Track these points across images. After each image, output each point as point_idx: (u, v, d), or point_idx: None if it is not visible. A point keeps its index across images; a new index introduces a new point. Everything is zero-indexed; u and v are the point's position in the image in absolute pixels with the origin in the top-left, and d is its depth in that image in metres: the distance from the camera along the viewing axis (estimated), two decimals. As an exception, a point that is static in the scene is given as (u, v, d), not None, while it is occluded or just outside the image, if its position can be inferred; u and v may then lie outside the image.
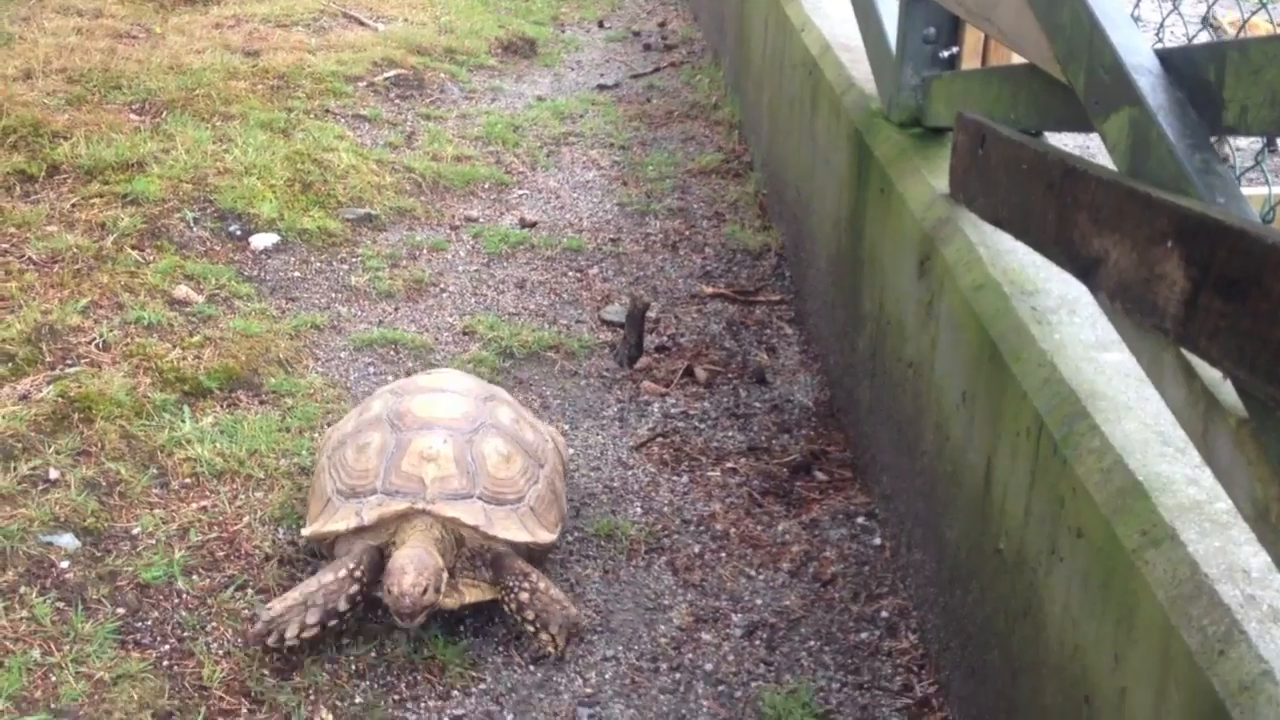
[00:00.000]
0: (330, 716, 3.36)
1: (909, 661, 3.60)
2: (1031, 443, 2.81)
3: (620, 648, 3.66)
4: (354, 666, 3.53)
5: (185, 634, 3.52)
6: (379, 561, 3.52)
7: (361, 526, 3.49)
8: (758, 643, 3.68)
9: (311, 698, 3.41)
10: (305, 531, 3.65)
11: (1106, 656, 2.42)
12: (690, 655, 3.64)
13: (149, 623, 3.53)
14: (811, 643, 3.68)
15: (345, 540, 3.57)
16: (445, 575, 3.44)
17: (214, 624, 3.57)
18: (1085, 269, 2.47)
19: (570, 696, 3.47)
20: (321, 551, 3.79)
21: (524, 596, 3.51)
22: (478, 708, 3.45)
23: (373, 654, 3.58)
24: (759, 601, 3.84)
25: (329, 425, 4.36)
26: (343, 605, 3.44)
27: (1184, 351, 2.22)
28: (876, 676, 3.56)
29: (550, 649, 3.55)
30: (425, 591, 3.33)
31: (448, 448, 3.60)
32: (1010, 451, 2.95)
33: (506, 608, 3.56)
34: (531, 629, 3.54)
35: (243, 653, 3.47)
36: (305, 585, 3.46)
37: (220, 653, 3.47)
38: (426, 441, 3.60)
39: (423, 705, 3.45)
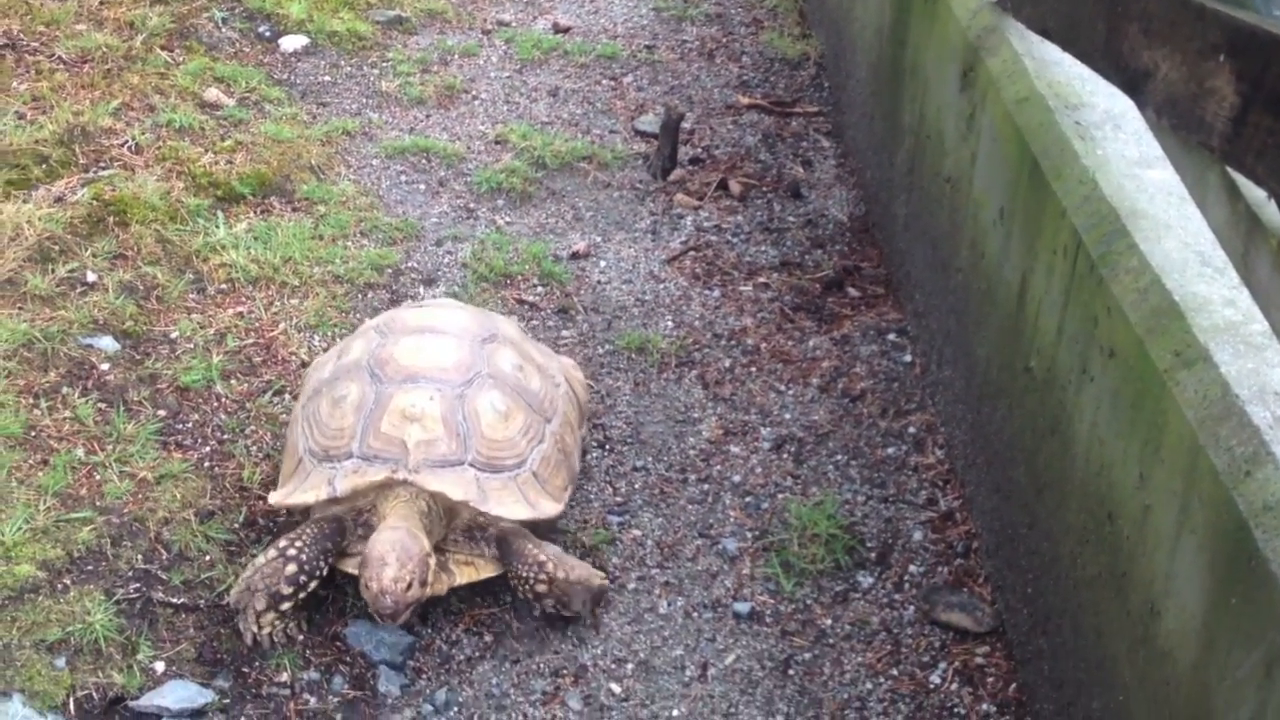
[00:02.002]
0: (366, 518, 3.44)
1: (934, 476, 3.64)
2: (1068, 261, 2.78)
3: (650, 459, 3.72)
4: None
5: (225, 436, 3.59)
6: (341, 537, 3.10)
7: (334, 498, 3.04)
8: (785, 456, 3.74)
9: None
10: (272, 498, 3.15)
11: (1132, 475, 2.44)
12: (719, 467, 3.70)
13: (189, 425, 3.61)
14: (839, 457, 3.73)
15: (321, 507, 3.10)
16: (433, 562, 3.00)
17: (253, 427, 3.64)
18: (1133, 82, 2.40)
19: (600, 505, 3.55)
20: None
21: (541, 588, 3.09)
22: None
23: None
24: (788, 416, 3.88)
25: (327, 350, 3.56)
26: (286, 589, 2.99)
27: (1229, 170, 2.17)
28: (902, 490, 3.61)
29: (570, 617, 3.18)
30: (409, 587, 2.89)
31: (434, 405, 3.09)
32: (1046, 269, 2.92)
33: (521, 594, 3.13)
34: (553, 611, 3.15)
35: (280, 456, 3.55)
36: (253, 561, 3.08)
37: (259, 455, 3.55)
38: (409, 398, 3.10)
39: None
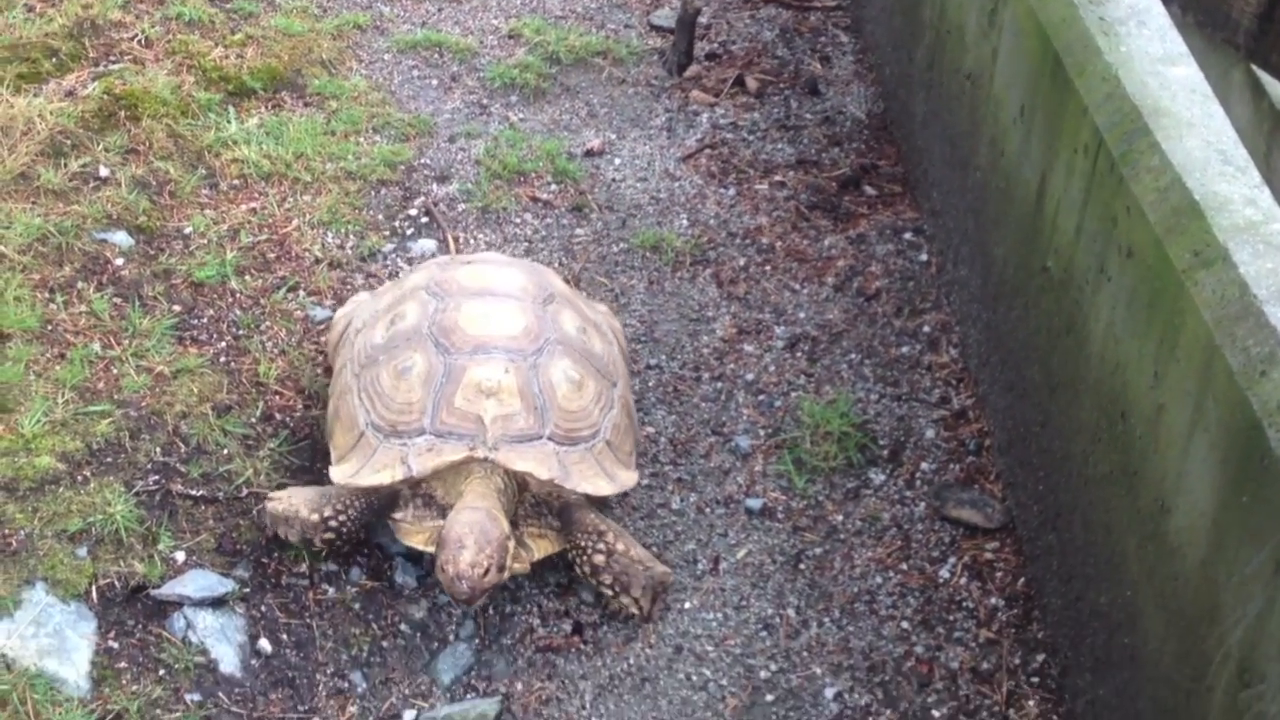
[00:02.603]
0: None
1: (948, 375, 3.65)
2: (1089, 159, 2.76)
3: (664, 357, 3.73)
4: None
5: (240, 332, 3.61)
6: (393, 503, 3.01)
7: (410, 478, 2.93)
8: (799, 354, 3.74)
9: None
10: (336, 475, 2.99)
11: (1146, 375, 2.45)
12: (732, 365, 3.71)
13: (204, 320, 3.62)
14: (852, 356, 3.74)
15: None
16: (511, 544, 2.87)
17: (268, 323, 3.65)
18: (1160, -24, 2.36)
19: (614, 400, 3.57)
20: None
21: (599, 560, 2.95)
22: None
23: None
24: (802, 315, 3.88)
25: (340, 306, 3.54)
26: (318, 543, 3.00)
27: (1254, 68, 2.14)
28: (915, 389, 3.62)
29: (634, 611, 3.01)
30: (487, 572, 2.76)
31: (510, 378, 2.97)
32: (1066, 168, 2.89)
33: (579, 569, 3.01)
34: (610, 593, 2.99)
35: (296, 352, 3.57)
36: (294, 498, 3.03)
37: (275, 351, 3.56)
38: (484, 371, 2.96)
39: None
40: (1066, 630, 2.83)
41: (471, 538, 2.77)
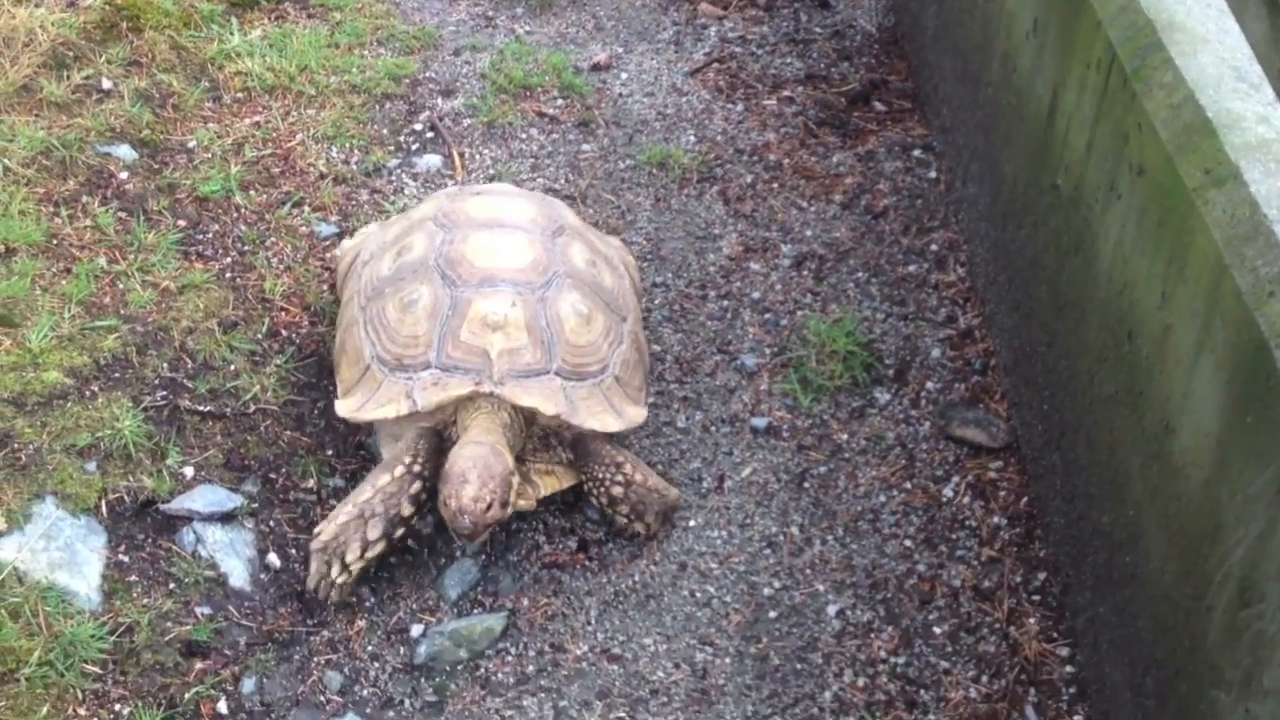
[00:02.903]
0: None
1: (955, 294, 3.64)
2: (1101, 75, 2.72)
3: (670, 275, 3.72)
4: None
5: (245, 248, 3.60)
6: (439, 445, 2.92)
7: (414, 412, 2.88)
8: (805, 273, 3.73)
9: (369, 312, 3.52)
10: (342, 409, 2.97)
11: (1154, 294, 2.43)
12: (738, 283, 3.70)
13: (209, 235, 3.61)
14: (859, 274, 3.72)
15: (391, 422, 2.95)
16: (515, 480, 2.82)
17: (273, 239, 3.64)
18: (1179, -113, 2.30)
19: (620, 318, 3.56)
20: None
21: (617, 491, 2.95)
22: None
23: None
24: (809, 233, 3.86)
25: (353, 236, 3.46)
26: (407, 509, 2.86)
27: (1274, -19, 2.10)
28: (921, 308, 3.61)
29: (640, 531, 3.04)
30: (490, 508, 2.73)
31: (517, 311, 2.91)
32: (1078, 84, 2.85)
33: (595, 499, 3.00)
34: (624, 520, 3.01)
35: (301, 268, 3.56)
36: (356, 494, 2.88)
37: (280, 267, 3.56)
38: (490, 304, 2.90)
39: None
40: (1068, 549, 2.85)
41: (475, 472, 2.72)
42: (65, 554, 2.78)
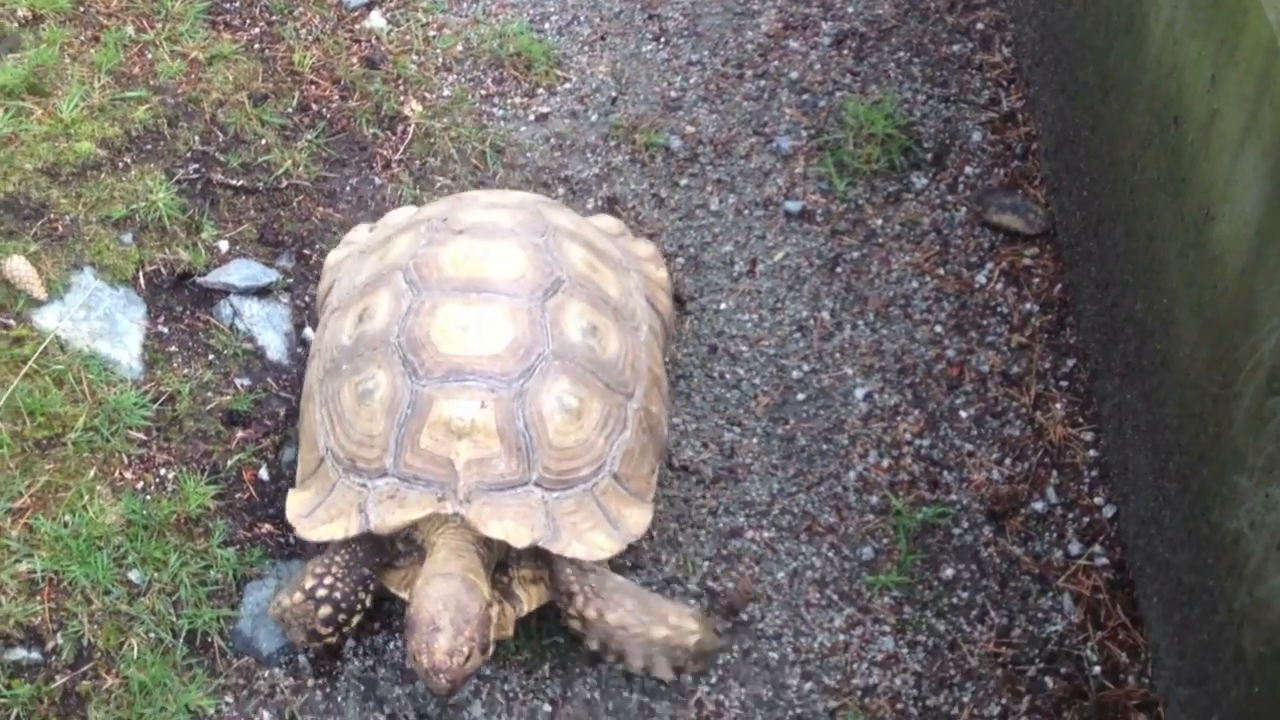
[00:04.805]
0: (419, 106, 3.43)
1: (999, 76, 3.54)
2: None
3: (706, 53, 3.63)
4: (440, 60, 3.56)
5: (274, 18, 3.53)
6: (375, 549, 2.53)
7: (366, 532, 2.45)
8: (846, 52, 3.63)
9: (401, 88, 3.47)
10: (291, 510, 2.54)
11: (1203, 78, 2.36)
12: (776, 63, 3.61)
13: (237, 5, 3.54)
14: (901, 54, 3.62)
15: None
16: (495, 612, 2.43)
17: (300, 9, 3.56)
18: None
19: (659, 100, 3.50)
20: None
21: (573, 625, 2.51)
22: (563, 106, 3.50)
23: (459, 47, 3.60)
24: (851, 10, 3.74)
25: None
26: (323, 630, 2.50)
27: None
28: (964, 89, 3.52)
29: (640, 671, 2.56)
30: (469, 658, 2.32)
31: (487, 414, 2.44)
32: None
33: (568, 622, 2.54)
34: (611, 659, 2.56)
35: (330, 40, 3.50)
36: (297, 579, 2.53)
37: (309, 39, 3.50)
38: (455, 406, 2.44)
39: (509, 101, 3.51)
40: (1099, 336, 2.85)
41: (446, 617, 2.32)
42: (105, 324, 2.82)
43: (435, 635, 2.30)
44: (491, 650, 2.39)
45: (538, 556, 2.50)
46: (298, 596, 2.47)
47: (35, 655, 2.41)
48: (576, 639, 2.53)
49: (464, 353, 2.48)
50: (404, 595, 2.49)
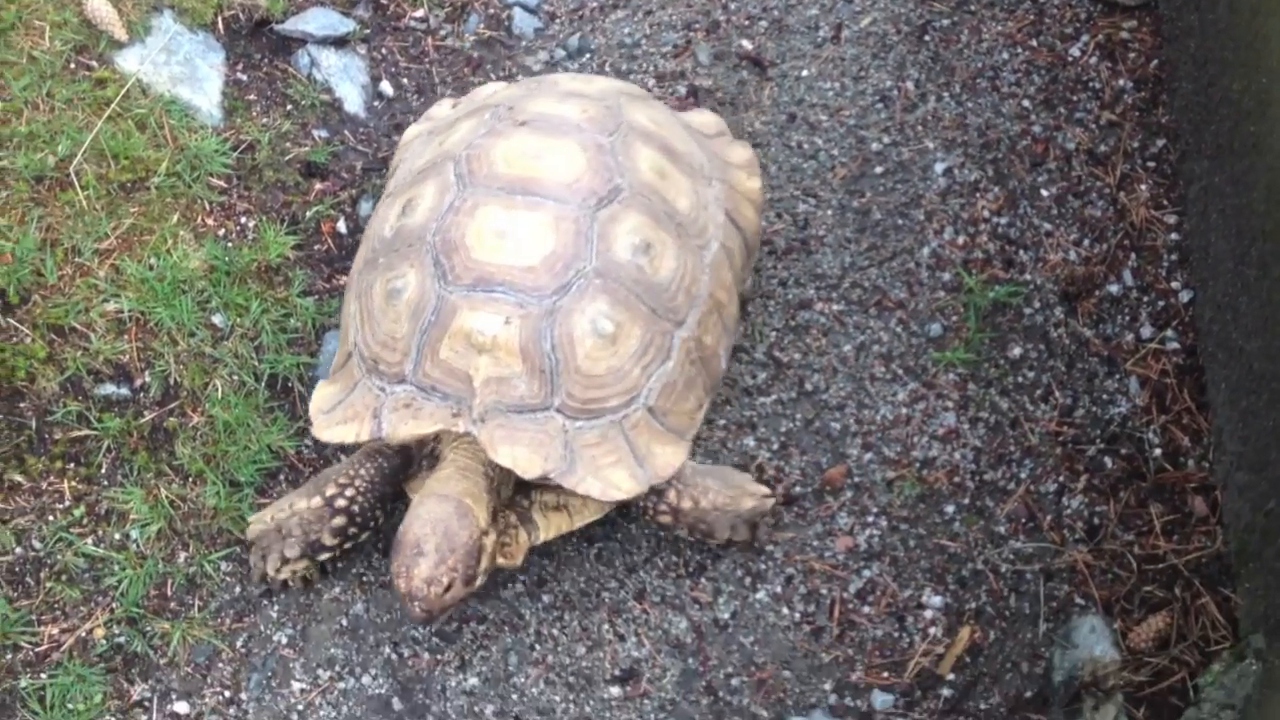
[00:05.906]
0: None
1: None
2: None
3: None
4: None
5: None
6: (402, 464, 2.45)
7: (378, 438, 2.35)
8: None
9: None
10: (315, 404, 2.45)
11: None
12: None
13: None
14: None
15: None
16: (490, 543, 2.30)
17: None
18: None
19: None
20: None
21: (665, 519, 2.45)
22: None
23: None
24: None
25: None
26: (329, 540, 2.41)
27: None
28: None
29: (722, 544, 2.53)
30: (449, 588, 2.20)
31: (511, 330, 2.27)
32: None
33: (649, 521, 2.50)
34: (695, 539, 2.53)
35: None
36: (285, 499, 2.45)
37: None
38: (478, 319, 2.28)
39: None
40: (1192, 116, 2.76)
41: (431, 542, 2.21)
42: (186, 69, 2.83)
43: (417, 559, 2.19)
44: (481, 582, 2.28)
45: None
46: (316, 501, 2.38)
47: (124, 391, 2.51)
48: (664, 529, 2.48)
49: (497, 261, 2.30)
50: None
